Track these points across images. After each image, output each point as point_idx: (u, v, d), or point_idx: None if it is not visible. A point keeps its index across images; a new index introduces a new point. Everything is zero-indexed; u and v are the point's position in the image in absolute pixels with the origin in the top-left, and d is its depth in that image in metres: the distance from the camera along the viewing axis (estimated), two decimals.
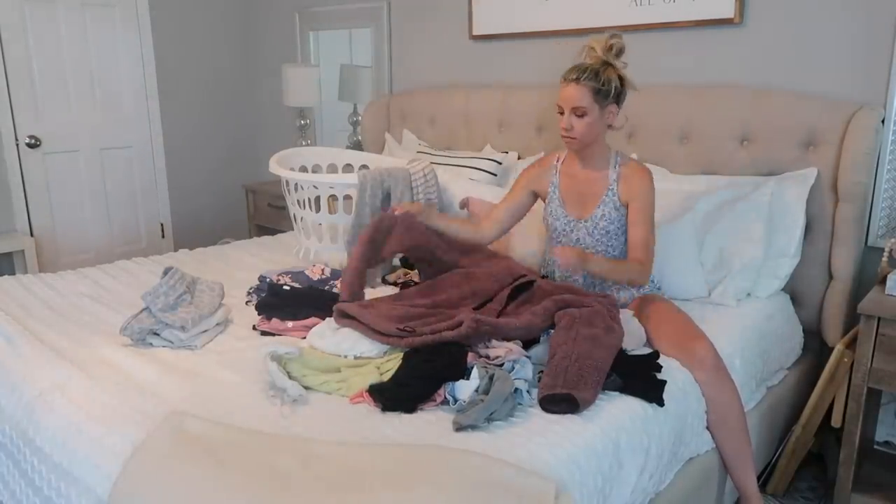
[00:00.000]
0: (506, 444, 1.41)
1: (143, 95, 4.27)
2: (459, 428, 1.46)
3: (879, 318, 2.00)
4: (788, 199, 2.29)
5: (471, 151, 3.26)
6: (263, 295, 2.21)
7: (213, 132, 4.68)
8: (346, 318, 1.88)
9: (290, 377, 1.66)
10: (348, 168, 3.24)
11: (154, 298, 1.99)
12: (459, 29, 3.42)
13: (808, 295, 2.42)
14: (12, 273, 3.71)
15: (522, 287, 2.01)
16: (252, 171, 4.79)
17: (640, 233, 2.03)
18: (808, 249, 2.37)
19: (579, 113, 1.98)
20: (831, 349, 2.23)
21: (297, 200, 2.71)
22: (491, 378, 1.57)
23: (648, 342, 1.93)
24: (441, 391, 1.60)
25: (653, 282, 2.19)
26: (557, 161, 2.21)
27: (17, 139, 3.76)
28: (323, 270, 2.42)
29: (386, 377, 1.67)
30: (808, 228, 2.35)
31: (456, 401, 1.57)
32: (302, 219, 2.74)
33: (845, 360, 2.14)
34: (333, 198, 2.71)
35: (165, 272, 2.15)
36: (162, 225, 4.47)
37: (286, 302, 2.12)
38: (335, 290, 2.32)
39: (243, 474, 1.29)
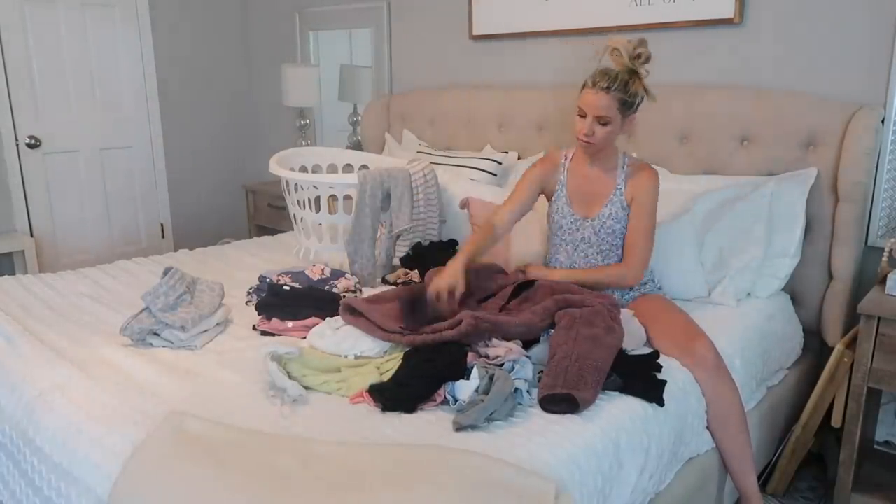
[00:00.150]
0: (506, 444, 1.40)
1: (143, 95, 4.27)
2: (459, 428, 1.46)
3: (879, 318, 2.00)
4: (788, 199, 2.29)
5: (471, 151, 3.26)
6: (263, 295, 2.21)
7: (212, 132, 4.68)
8: (353, 313, 1.88)
9: (290, 377, 1.66)
10: (348, 168, 3.24)
11: (154, 298, 1.99)
12: (459, 29, 3.42)
13: (808, 295, 2.42)
14: (12, 273, 3.71)
15: (524, 286, 2.01)
16: (252, 171, 4.79)
17: (636, 234, 2.06)
18: (808, 249, 2.37)
19: (603, 122, 1.97)
20: (831, 349, 2.23)
21: (297, 200, 2.71)
22: (491, 378, 1.57)
23: (648, 342, 1.93)
24: (441, 391, 1.60)
25: (653, 282, 2.20)
26: (565, 159, 2.19)
27: (17, 139, 3.76)
28: (323, 270, 2.42)
29: (386, 377, 1.67)
30: (808, 228, 2.35)
31: (456, 401, 1.57)
32: (302, 219, 2.74)
33: (845, 360, 2.14)
34: (333, 198, 2.71)
35: (165, 272, 2.15)
36: (162, 225, 4.47)
37: (286, 302, 2.12)
38: (335, 290, 2.32)
39: (243, 474, 1.29)
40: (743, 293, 2.29)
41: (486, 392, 1.53)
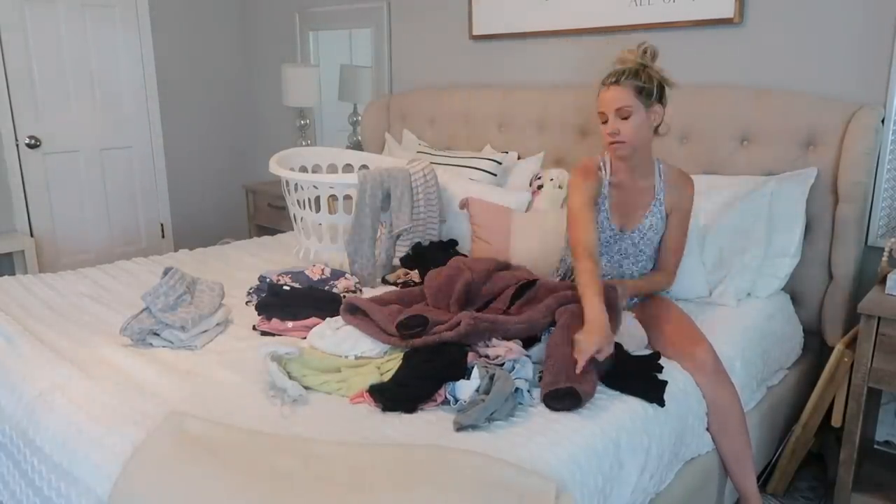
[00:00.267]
0: (506, 444, 1.40)
1: (143, 95, 4.27)
2: (460, 428, 1.46)
3: (879, 318, 1.99)
4: (788, 199, 2.29)
5: (471, 151, 3.26)
6: (263, 295, 2.21)
7: (213, 132, 4.68)
8: (353, 313, 1.88)
9: (290, 377, 1.66)
10: (348, 168, 3.24)
11: (154, 298, 1.99)
12: (459, 29, 3.42)
13: (808, 295, 2.42)
14: (12, 273, 3.71)
15: (526, 287, 2.01)
16: (252, 171, 4.79)
17: (676, 243, 2.11)
18: (808, 249, 2.37)
19: (624, 115, 1.89)
20: (831, 349, 2.23)
21: (297, 200, 2.71)
22: (491, 378, 1.57)
23: (649, 344, 1.93)
24: (441, 391, 1.60)
25: None
26: (603, 171, 2.04)
27: (17, 139, 3.76)
28: (323, 270, 2.42)
29: (386, 377, 1.67)
30: (808, 228, 2.35)
31: (456, 401, 1.57)
32: (302, 219, 2.74)
33: (845, 359, 2.14)
34: (333, 198, 2.71)
35: (165, 272, 2.15)
36: (162, 225, 4.47)
37: (286, 302, 2.12)
38: (335, 290, 2.32)
39: (243, 474, 1.29)
40: (743, 293, 2.29)
41: (487, 392, 1.53)
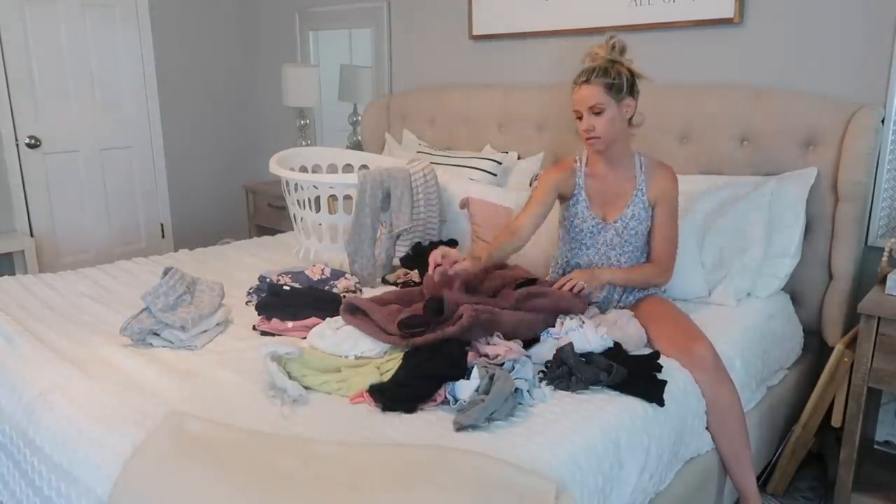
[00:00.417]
0: (506, 444, 1.41)
1: (143, 95, 4.27)
2: (460, 428, 1.46)
3: (879, 318, 1.99)
4: (788, 199, 2.29)
5: (471, 151, 3.26)
6: (263, 295, 2.21)
7: (213, 132, 4.68)
8: (353, 313, 1.88)
9: (290, 377, 1.66)
10: (348, 168, 3.24)
11: (154, 299, 1.99)
12: (459, 29, 3.42)
13: (808, 295, 2.42)
14: (12, 273, 3.71)
15: (523, 286, 2.00)
16: (252, 171, 4.79)
17: (665, 233, 2.10)
18: (808, 249, 2.37)
19: (596, 111, 1.99)
20: (831, 349, 2.23)
21: (297, 200, 2.71)
22: (491, 378, 1.57)
23: (648, 343, 1.93)
24: (441, 391, 1.60)
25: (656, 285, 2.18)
26: (578, 163, 2.18)
27: (17, 139, 3.76)
28: (323, 270, 2.42)
29: (386, 377, 1.67)
30: (808, 228, 2.35)
31: (456, 401, 1.58)
32: (302, 219, 2.74)
33: (845, 359, 2.14)
34: (333, 198, 2.71)
35: (165, 272, 2.15)
36: (162, 225, 4.47)
37: (286, 302, 2.12)
38: (335, 290, 2.32)
39: (243, 474, 1.29)
40: (743, 293, 2.29)
41: (487, 392, 1.53)
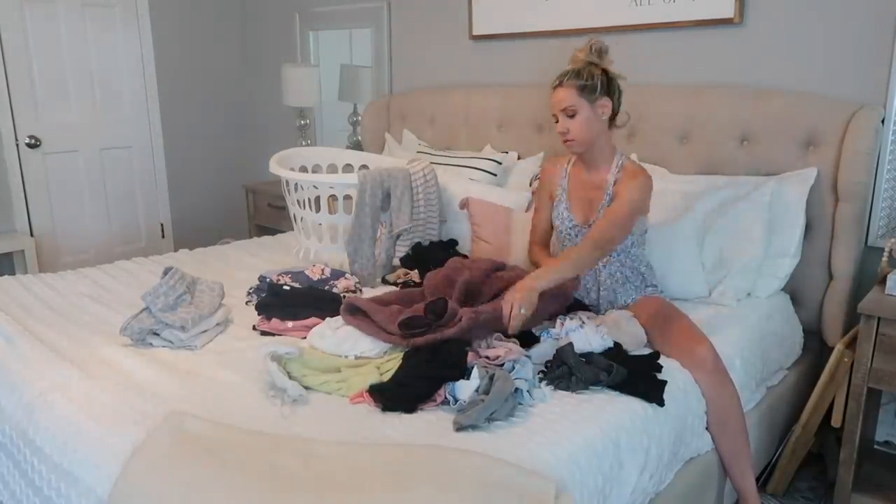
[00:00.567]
0: (506, 444, 1.41)
1: (143, 95, 4.27)
2: (460, 428, 1.46)
3: (879, 318, 1.99)
4: (788, 199, 2.29)
5: (471, 151, 3.26)
6: (263, 295, 2.21)
7: (212, 132, 4.68)
8: (353, 314, 1.88)
9: (290, 377, 1.66)
10: (348, 168, 3.24)
11: (154, 298, 1.99)
12: (459, 29, 3.42)
13: (808, 295, 2.42)
14: (12, 273, 3.71)
15: None
16: (252, 171, 4.79)
17: (607, 213, 1.98)
18: (808, 249, 2.37)
19: (570, 113, 2.01)
20: (831, 349, 2.23)
21: (297, 200, 2.71)
22: (491, 378, 1.57)
23: (648, 343, 1.93)
24: (441, 391, 1.60)
25: (655, 286, 2.17)
26: (567, 164, 2.22)
27: (17, 139, 3.76)
28: (323, 270, 2.42)
29: (386, 377, 1.67)
30: (808, 228, 2.35)
31: (456, 401, 1.57)
32: (302, 219, 2.74)
33: (845, 360, 2.14)
34: (333, 198, 2.71)
35: (165, 272, 2.15)
36: (162, 225, 4.47)
37: (286, 302, 2.12)
38: (335, 290, 2.32)
39: (243, 474, 1.29)
40: (743, 293, 2.29)
41: (487, 392, 1.53)
